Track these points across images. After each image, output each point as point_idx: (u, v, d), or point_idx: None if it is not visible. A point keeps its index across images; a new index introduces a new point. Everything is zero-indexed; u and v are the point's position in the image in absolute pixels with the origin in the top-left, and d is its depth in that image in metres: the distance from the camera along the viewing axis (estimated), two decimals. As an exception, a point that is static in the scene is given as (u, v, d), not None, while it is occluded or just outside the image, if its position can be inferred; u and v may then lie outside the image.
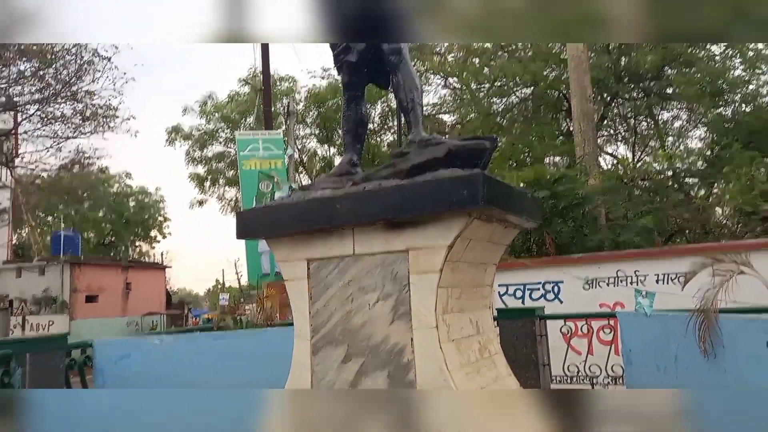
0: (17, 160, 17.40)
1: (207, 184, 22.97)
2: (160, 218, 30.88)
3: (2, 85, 15.44)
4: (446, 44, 19.38)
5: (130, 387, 4.13)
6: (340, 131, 22.60)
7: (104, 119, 16.93)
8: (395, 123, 21.65)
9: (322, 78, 21.51)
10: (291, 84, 22.82)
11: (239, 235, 3.71)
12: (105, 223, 28.72)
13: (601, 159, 15.05)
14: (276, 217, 3.54)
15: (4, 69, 15.19)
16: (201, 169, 22.93)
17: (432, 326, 2.92)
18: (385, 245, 3.16)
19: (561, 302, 7.16)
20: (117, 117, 17.06)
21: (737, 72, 14.69)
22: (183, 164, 22.85)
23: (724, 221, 10.85)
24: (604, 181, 9.80)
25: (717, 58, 15.02)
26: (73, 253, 19.79)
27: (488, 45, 18.61)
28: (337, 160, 23.63)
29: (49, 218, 25.99)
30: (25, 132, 16.77)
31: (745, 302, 4.11)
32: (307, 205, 3.42)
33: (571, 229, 8.35)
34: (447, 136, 19.76)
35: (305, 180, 23.12)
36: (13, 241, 22.91)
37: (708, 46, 14.88)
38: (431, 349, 2.90)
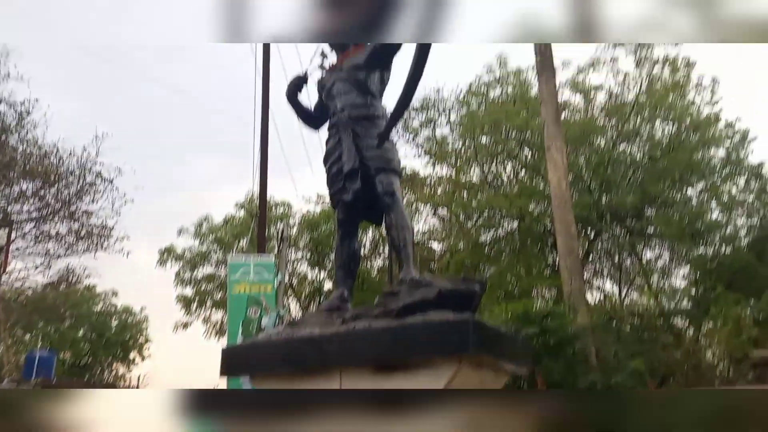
0: (3, 277, 17.23)
1: (194, 305, 22.67)
2: (142, 339, 29.97)
3: (1, 204, 15.74)
4: (435, 177, 20.32)
5: None
6: (331, 256, 22.83)
7: (98, 238, 17.08)
8: (385, 249, 22.00)
9: (317, 204, 22.16)
10: (286, 209, 23.44)
11: (224, 372, 3.63)
12: (84, 342, 27.75)
13: (589, 293, 15.21)
14: (262, 355, 3.49)
15: (6, 188, 15.58)
16: (189, 291, 22.75)
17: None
18: (373, 387, 3.10)
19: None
20: (111, 236, 17.24)
21: (714, 215, 15.35)
22: (172, 285, 22.68)
23: (716, 362, 10.75)
24: (592, 318, 9.82)
25: (693, 201, 15.78)
26: (46, 376, 18.89)
27: (474, 179, 19.53)
28: (327, 285, 23.61)
29: (27, 336, 25.16)
30: (17, 249, 16.81)
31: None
32: (295, 344, 3.40)
33: (562, 367, 8.20)
34: (435, 263, 19.99)
35: (294, 304, 22.90)
36: (-15, 360, 21.94)
37: (684, 189, 15.70)
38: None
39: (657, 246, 16.48)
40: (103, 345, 27.71)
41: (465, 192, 19.13)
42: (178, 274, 22.42)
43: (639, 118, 15.23)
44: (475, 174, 19.37)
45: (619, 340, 9.38)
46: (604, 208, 15.52)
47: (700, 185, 15.77)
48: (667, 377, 9.83)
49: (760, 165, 15.91)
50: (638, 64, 15.91)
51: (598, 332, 8.99)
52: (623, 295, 16.88)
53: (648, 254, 16.93)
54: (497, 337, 3.14)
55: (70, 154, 16.10)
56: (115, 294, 29.01)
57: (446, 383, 2.89)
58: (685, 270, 16.35)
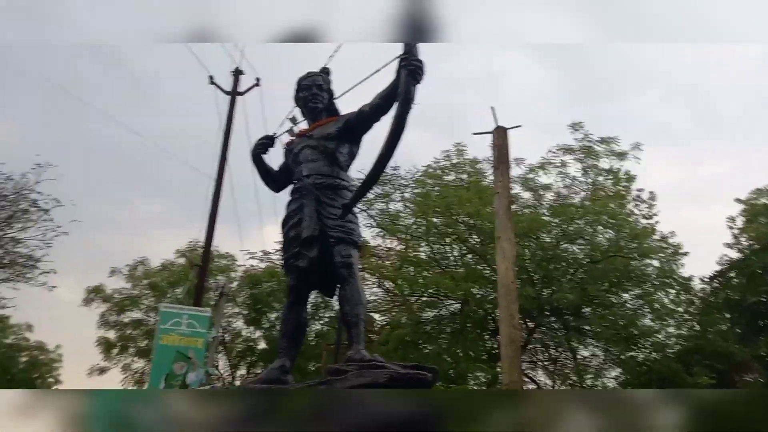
0: None
1: (115, 350, 21.33)
2: (51, 379, 27.76)
3: None
4: (385, 248, 20.40)
5: None
6: (269, 315, 22.17)
7: (21, 268, 16.07)
8: (325, 314, 21.58)
9: (261, 260, 21.73)
10: (229, 262, 22.85)
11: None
12: (-15, 380, 25.44)
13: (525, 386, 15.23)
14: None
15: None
16: (113, 334, 21.46)
17: None
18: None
19: None
20: (36, 268, 16.25)
21: (647, 321, 15.94)
22: (94, 327, 21.34)
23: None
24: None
25: (629, 305, 16.39)
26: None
27: (423, 256, 19.73)
28: (261, 344, 22.76)
29: None
30: None
31: None
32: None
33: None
34: (376, 336, 19.67)
35: (223, 361, 21.87)
36: None
37: (620, 293, 16.32)
38: None
39: (592, 345, 16.87)
40: (7, 383, 25.46)
41: (412, 268, 19.23)
42: (102, 315, 21.21)
43: (582, 221, 15.99)
44: (423, 252, 19.60)
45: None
46: (544, 302, 15.88)
47: (636, 290, 16.43)
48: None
49: (689, 278, 16.84)
50: (584, 171, 16.97)
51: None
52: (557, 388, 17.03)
53: (584, 352, 17.28)
54: None
55: (8, 177, 15.40)
56: (29, 328, 27.05)
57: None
58: (616, 371, 16.72)
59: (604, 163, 16.77)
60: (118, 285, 21.61)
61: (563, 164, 17.02)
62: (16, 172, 15.50)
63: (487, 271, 17.12)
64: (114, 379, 21.85)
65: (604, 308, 15.64)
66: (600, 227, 16.17)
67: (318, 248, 3.91)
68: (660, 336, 15.75)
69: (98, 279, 26.33)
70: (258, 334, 22.57)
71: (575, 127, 16.81)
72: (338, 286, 3.94)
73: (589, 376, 16.92)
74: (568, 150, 16.88)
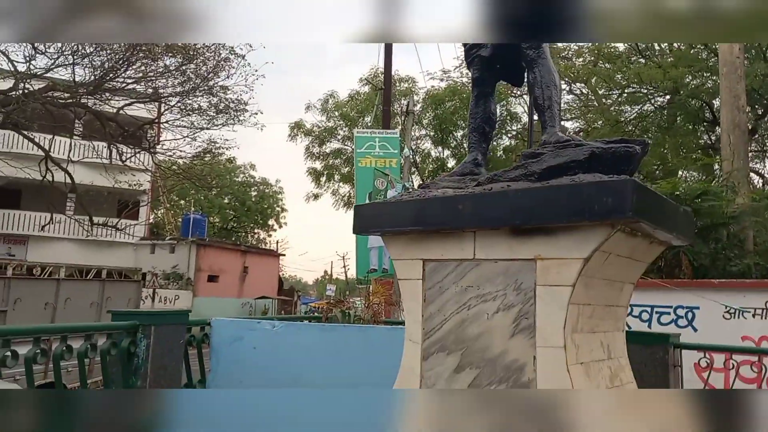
0: (158, 147, 19.04)
1: (323, 179, 23.76)
2: (278, 208, 32.46)
3: (150, 78, 16.95)
4: (575, 47, 18.45)
5: (241, 369, 4.22)
6: (455, 134, 22.35)
7: (235, 113, 18.05)
8: (513, 126, 21.01)
9: (441, 80, 21.39)
10: (410, 85, 22.94)
11: (356, 230, 3.63)
12: (229, 210, 30.71)
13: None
14: (393, 214, 3.41)
15: (153, 63, 16.65)
16: (318, 165, 23.76)
17: (559, 345, 2.64)
18: (509, 252, 2.91)
19: (695, 330, 6.43)
20: (246, 111, 18.12)
21: None
22: (302, 159, 23.86)
23: None
24: (755, 201, 8.68)
25: None
26: (200, 235, 21.36)
27: (621, 48, 17.44)
28: (451, 164, 23.38)
29: (182, 201, 28.25)
30: (167, 122, 18.32)
31: None
32: (427, 204, 3.26)
33: (713, 252, 7.46)
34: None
35: (418, 181, 23.14)
36: (150, 221, 25.16)
37: None
38: (556, 370, 2.62)
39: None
40: (245, 212, 30.48)
41: (608, 64, 17.24)
42: (307, 149, 23.40)
43: None
44: (621, 44, 17.28)
45: (783, 223, 8.27)
46: (779, 79, 13.24)
47: None
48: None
49: None
50: None
51: (761, 215, 7.95)
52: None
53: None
54: (659, 202, 2.75)
55: (204, 30, 16.61)
56: (252, 167, 31.29)
57: (593, 250, 2.62)
58: None
59: None
60: (315, 119, 23.32)
61: None
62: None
63: (704, 54, 14.61)
64: (327, 203, 24.70)
65: None
66: None
67: (500, 32, 3.51)
68: None
69: (297, 116, 28.75)
70: (446, 153, 23.09)
71: None
72: (526, 70, 3.55)
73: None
74: None
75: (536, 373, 2.70)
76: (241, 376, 4.23)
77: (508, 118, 21.13)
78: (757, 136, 15.23)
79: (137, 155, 18.93)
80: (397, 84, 22.34)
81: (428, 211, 3.23)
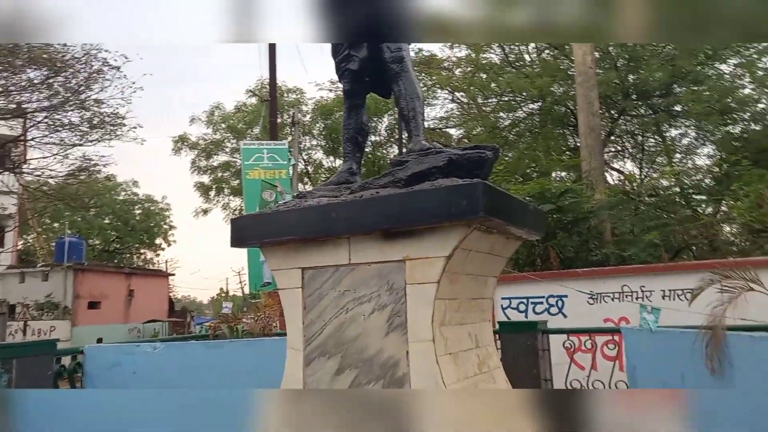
0: (24, 167, 17.47)
1: (212, 193, 23.03)
2: (166, 226, 30.94)
3: (12, 92, 15.55)
4: (454, 59, 19.43)
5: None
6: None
7: (111, 127, 17.01)
8: (404, 135, 21.68)
9: (330, 90, 21.59)
10: (298, 96, 22.91)
11: (233, 243, 3.63)
12: (110, 230, 28.79)
13: (607, 175, 14.94)
14: (270, 225, 3.46)
15: (13, 76, 15.30)
16: (206, 179, 23.00)
17: (428, 339, 2.83)
18: (381, 255, 3.07)
19: (565, 317, 7.04)
20: (124, 125, 17.14)
21: (747, 90, 14.58)
22: (188, 174, 22.94)
23: (732, 239, 10.69)
24: (610, 196, 9.69)
25: (726, 76, 14.92)
26: (77, 260, 19.80)
27: (496, 60, 18.63)
28: (343, 172, 23.61)
29: (55, 224, 26.09)
30: (33, 139, 16.87)
31: (753, 320, 4.00)
32: (302, 213, 3.34)
33: (576, 244, 8.22)
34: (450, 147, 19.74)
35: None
36: (18, 247, 22.97)
37: (717, 64, 14.79)
38: (427, 363, 2.80)
39: (682, 125, 15.90)
40: (129, 232, 28.71)
41: (484, 75, 18.33)
42: (193, 162, 22.58)
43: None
44: (496, 55, 18.46)
45: (635, 215, 9.29)
46: (630, 85, 14.79)
47: (735, 60, 14.82)
48: (681, 251, 9.85)
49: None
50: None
51: (615, 209, 8.89)
52: (643, 175, 16.60)
53: (673, 133, 16.40)
54: (508, 201, 3.04)
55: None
56: (135, 183, 29.59)
57: (453, 248, 2.84)
58: (709, 149, 15.89)
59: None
60: (201, 132, 22.57)
61: None
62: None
63: (565, 64, 15.99)
64: (218, 218, 23.92)
65: (698, 83, 14.35)
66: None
67: (366, 48, 3.71)
68: (761, 105, 14.45)
69: (180, 129, 27.65)
70: (338, 162, 23.28)
71: None
72: (392, 83, 3.76)
73: (678, 155, 16.23)
74: None
75: (409, 367, 2.87)
76: (120, 403, 4.05)
77: (396, 127, 21.73)
78: (613, 137, 16.93)
79: (0, 176, 17.23)
80: (285, 95, 22.23)
81: (304, 220, 3.31)
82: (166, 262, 27.97)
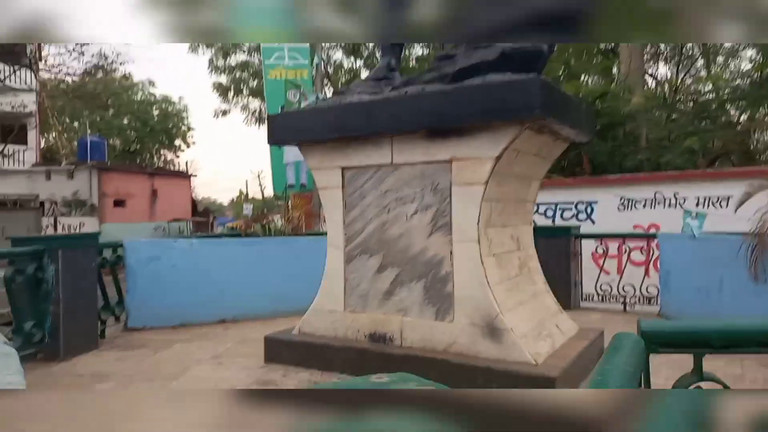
0: (41, 64, 17.16)
1: (230, 94, 22.54)
2: (184, 127, 30.74)
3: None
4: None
5: (160, 288, 4.16)
6: (368, 44, 21.72)
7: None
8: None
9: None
10: (317, -11, 21.74)
11: (271, 141, 3.55)
12: (130, 131, 28.69)
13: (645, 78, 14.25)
14: (310, 123, 3.36)
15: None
16: (224, 79, 22.42)
17: (473, 239, 2.81)
18: (426, 155, 2.99)
19: (593, 222, 7.01)
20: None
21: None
22: (206, 73, 22.38)
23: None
24: (648, 101, 9.26)
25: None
26: (99, 159, 19.95)
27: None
28: (364, 73, 22.87)
29: (75, 124, 26.04)
30: (47, 33, 16.40)
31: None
32: (343, 111, 3.23)
33: (610, 149, 7.99)
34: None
35: (330, 93, 22.55)
36: (41, 146, 23.13)
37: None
38: (471, 263, 2.80)
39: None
40: (148, 132, 28.67)
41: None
42: (211, 62, 21.93)
43: None
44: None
45: (673, 121, 8.92)
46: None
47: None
48: (718, 158, 9.54)
49: None
50: None
51: (652, 114, 8.53)
52: (679, 81, 15.84)
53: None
54: (564, 100, 2.89)
55: None
56: (152, 83, 29.11)
57: (503, 148, 2.73)
58: (752, 53, 14.97)
59: None
60: (217, 29, 21.73)
61: None
62: None
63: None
64: (237, 119, 23.65)
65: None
66: None
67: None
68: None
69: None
70: (359, 63, 22.48)
71: None
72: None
73: (719, 59, 15.35)
74: None
75: (453, 266, 2.88)
76: (161, 294, 4.18)
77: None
78: (651, 38, 15.99)
79: (16, 73, 16.98)
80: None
81: (345, 118, 3.20)
82: (187, 163, 28.12)
